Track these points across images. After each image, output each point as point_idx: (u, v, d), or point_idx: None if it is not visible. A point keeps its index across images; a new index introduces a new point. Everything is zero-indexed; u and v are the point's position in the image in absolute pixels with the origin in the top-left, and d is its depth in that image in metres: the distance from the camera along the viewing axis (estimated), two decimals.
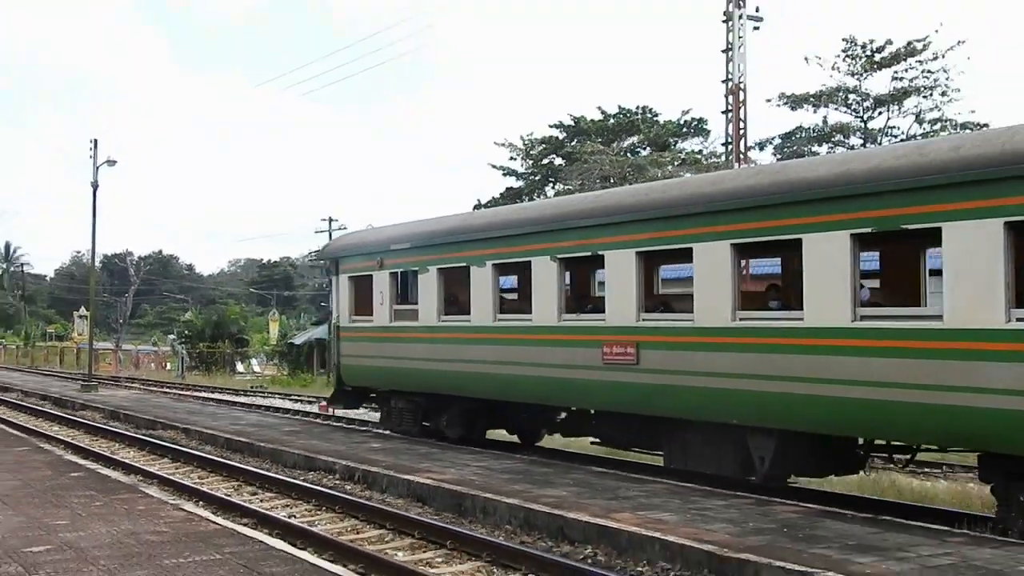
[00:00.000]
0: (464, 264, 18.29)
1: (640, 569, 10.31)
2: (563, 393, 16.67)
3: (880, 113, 54.51)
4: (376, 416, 24.57)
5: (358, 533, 12.79)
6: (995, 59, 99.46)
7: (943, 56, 51.21)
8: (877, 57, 52.84)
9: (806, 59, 75.96)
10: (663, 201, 14.69)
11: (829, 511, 12.30)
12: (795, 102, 55.77)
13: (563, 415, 18.67)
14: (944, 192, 10.95)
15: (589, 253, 15.90)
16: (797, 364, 12.31)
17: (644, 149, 65.94)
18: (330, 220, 71.31)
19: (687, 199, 14.30)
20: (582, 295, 18.71)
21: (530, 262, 16.70)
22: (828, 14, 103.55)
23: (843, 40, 54.10)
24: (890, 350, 11.41)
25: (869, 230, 11.74)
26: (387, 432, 21.82)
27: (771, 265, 18.95)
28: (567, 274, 17.06)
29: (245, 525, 12.03)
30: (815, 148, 54.78)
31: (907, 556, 9.59)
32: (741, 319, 13.17)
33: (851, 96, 54.66)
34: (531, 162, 72.79)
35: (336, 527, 13.16)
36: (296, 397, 43.03)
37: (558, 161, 70.05)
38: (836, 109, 55.55)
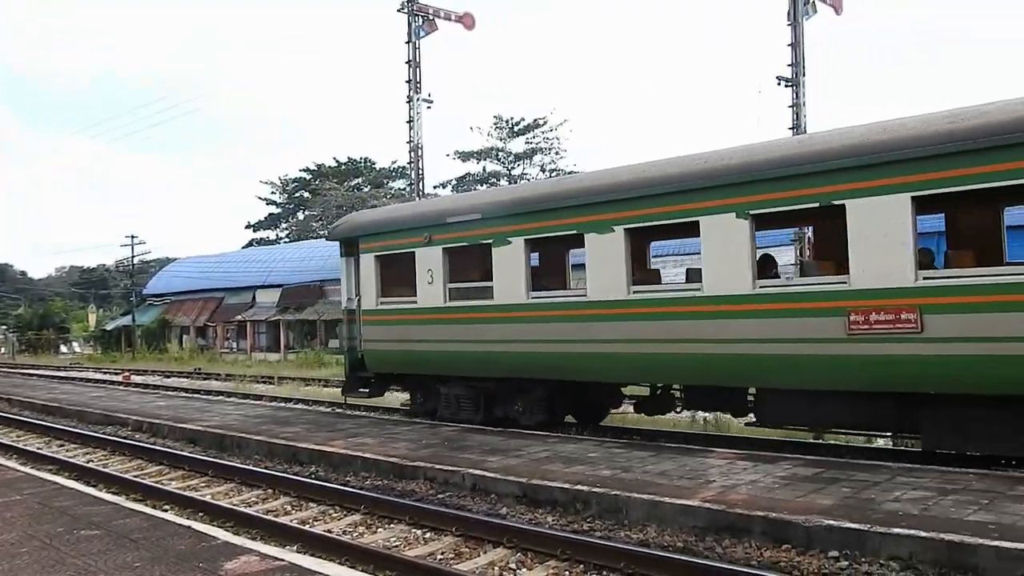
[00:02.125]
0: (573, 232, 11.32)
1: (347, 479, 10.08)
2: (754, 371, 9.52)
3: (519, 165, 56.85)
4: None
5: (142, 470, 11.72)
6: (588, 128, 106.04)
7: (555, 129, 54.81)
8: (515, 129, 55.41)
9: (471, 128, 79.55)
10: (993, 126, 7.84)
11: (475, 428, 12.41)
12: (464, 156, 57.31)
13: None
14: None
15: (816, 204, 9.00)
16: None
17: (366, 187, 65.07)
18: (132, 236, 65.24)
19: None
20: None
21: (698, 222, 9.86)
22: (483, 96, 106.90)
23: (494, 117, 56.95)
24: None
25: None
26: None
27: None
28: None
29: (48, 471, 10.72)
30: (479, 187, 56.23)
31: (522, 454, 9.91)
32: None
33: (500, 153, 56.82)
34: (287, 195, 70.23)
35: (125, 467, 11.98)
36: (106, 370, 39.19)
37: (306, 194, 67.88)
38: (491, 161, 57.44)
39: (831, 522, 6.29)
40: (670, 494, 7.44)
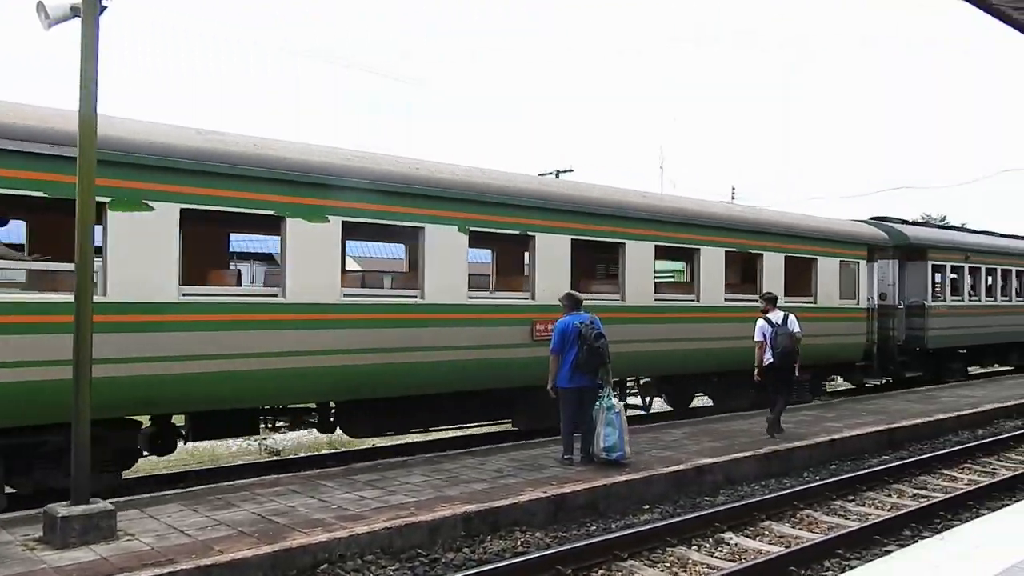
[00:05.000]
0: (272, 212, 8.23)
1: None
2: (482, 375, 9.89)
3: None
4: None
5: None
6: None
7: None
8: None
9: None
10: None
11: None
12: None
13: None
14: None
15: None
16: None
17: None
18: None
19: None
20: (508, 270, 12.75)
21: (422, 228, 9.36)
22: None
23: None
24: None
25: None
26: None
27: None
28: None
29: None
30: None
31: None
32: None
33: None
34: None
35: None
36: None
37: None
38: None
39: None
40: None
